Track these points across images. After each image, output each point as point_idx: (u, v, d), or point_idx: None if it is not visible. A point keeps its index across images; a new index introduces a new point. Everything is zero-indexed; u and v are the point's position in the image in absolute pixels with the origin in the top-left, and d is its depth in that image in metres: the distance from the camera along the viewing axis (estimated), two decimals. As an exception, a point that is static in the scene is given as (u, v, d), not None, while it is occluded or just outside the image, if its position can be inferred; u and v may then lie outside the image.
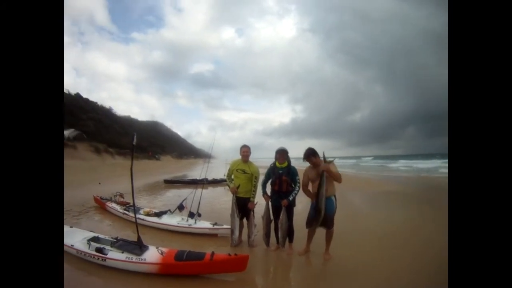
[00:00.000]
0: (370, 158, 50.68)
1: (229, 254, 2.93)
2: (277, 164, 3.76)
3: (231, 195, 3.94)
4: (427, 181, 14.60)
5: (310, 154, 3.53)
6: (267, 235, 3.84)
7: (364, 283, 2.99)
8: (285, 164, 3.73)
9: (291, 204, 3.67)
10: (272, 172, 3.78)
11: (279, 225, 3.67)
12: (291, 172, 3.69)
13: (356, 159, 58.71)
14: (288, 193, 3.64)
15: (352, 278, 3.11)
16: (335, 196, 3.57)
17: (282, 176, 3.66)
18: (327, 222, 3.50)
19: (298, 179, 3.68)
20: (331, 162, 3.48)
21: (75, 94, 39.53)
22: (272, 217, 3.81)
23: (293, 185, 3.68)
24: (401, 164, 31.73)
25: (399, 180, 15.07)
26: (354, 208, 6.84)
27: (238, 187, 3.88)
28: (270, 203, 3.83)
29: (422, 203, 7.99)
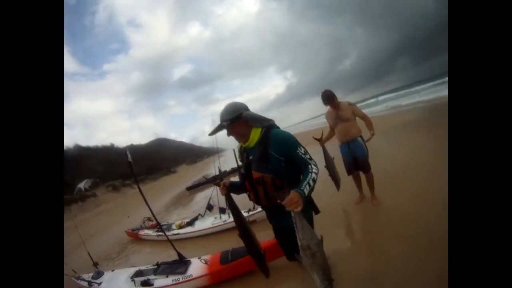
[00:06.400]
0: (373, 100, 47.34)
1: (276, 237, 2.59)
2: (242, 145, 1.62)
3: None
4: (427, 106, 12.95)
5: (330, 95, 3.19)
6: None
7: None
8: (256, 138, 1.50)
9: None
10: (237, 165, 1.80)
11: (305, 254, 1.24)
12: (271, 148, 1.43)
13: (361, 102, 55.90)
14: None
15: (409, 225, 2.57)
16: (361, 137, 3.22)
17: (251, 171, 1.51)
18: (363, 166, 3.23)
19: (301, 149, 1.43)
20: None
21: (73, 147, 39.83)
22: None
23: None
24: (400, 99, 28.72)
25: (407, 111, 13.85)
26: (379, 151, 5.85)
27: None
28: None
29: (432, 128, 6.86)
